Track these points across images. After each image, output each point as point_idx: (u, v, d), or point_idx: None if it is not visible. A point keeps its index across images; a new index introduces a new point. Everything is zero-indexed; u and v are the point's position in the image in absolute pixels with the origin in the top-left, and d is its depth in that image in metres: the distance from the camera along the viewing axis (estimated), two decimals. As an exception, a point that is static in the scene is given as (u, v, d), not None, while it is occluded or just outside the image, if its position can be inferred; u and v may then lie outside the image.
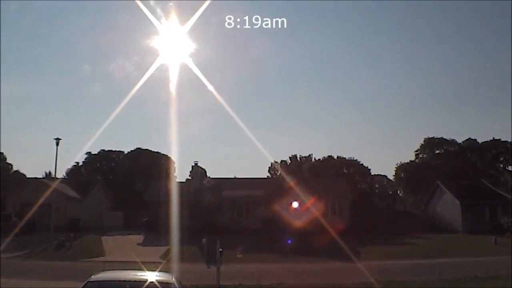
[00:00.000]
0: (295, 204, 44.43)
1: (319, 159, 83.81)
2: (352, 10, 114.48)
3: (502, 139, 77.09)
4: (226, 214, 47.36)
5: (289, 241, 32.12)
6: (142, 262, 20.43)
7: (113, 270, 10.49)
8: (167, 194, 43.64)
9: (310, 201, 44.18)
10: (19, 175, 68.84)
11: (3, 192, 49.95)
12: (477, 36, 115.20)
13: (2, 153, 73.52)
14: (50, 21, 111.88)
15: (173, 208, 38.77)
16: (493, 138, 78.09)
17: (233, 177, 59.40)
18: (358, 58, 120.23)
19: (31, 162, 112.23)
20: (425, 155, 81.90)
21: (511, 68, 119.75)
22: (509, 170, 73.64)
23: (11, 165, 74.32)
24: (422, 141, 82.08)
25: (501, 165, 77.20)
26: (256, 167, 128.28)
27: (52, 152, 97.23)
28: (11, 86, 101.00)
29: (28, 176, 65.56)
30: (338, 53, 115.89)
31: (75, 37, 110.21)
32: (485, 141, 78.19)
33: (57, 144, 40.12)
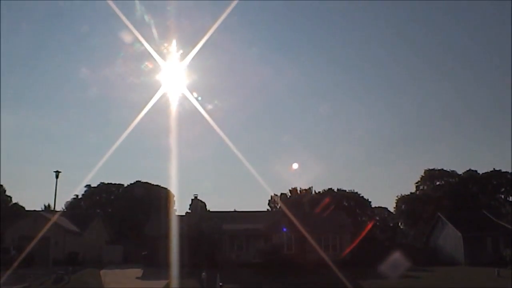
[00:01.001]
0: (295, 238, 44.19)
1: (319, 192, 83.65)
2: (349, 44, 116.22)
3: (503, 170, 77.12)
4: (226, 248, 46.99)
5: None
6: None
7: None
8: (166, 228, 43.47)
9: (310, 235, 43.91)
10: (18, 208, 68.59)
11: (2, 224, 49.70)
12: (476, 69, 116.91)
13: (2, 186, 73.41)
14: (51, 55, 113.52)
15: (172, 242, 38.58)
16: (494, 169, 78.13)
17: (233, 210, 59.22)
18: (358, 90, 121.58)
19: (30, 195, 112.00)
20: (425, 187, 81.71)
21: (511, 100, 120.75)
22: (511, 201, 73.42)
23: (10, 198, 74.14)
24: (422, 173, 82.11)
25: (502, 196, 76.92)
26: (256, 200, 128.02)
27: (51, 185, 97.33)
28: (11, 118, 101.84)
29: (27, 208, 65.37)
30: (337, 86, 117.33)
31: (75, 71, 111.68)
32: (485, 172, 78.14)
33: (57, 177, 40.28)
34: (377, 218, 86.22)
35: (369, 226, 68.66)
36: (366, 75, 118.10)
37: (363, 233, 55.27)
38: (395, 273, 34.07)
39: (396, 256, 41.26)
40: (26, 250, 38.54)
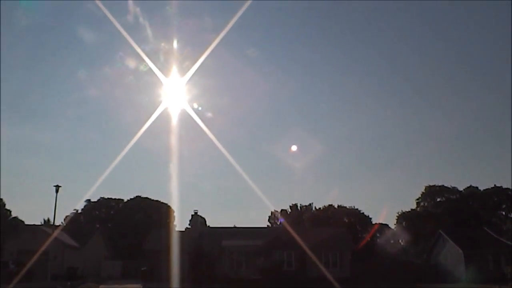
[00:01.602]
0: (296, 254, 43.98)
1: (319, 208, 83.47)
2: (350, 58, 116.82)
3: (504, 187, 76.88)
4: (225, 264, 46.69)
5: None
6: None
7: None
8: (166, 243, 43.28)
9: (310, 251, 43.69)
10: (17, 221, 68.46)
11: (1, 238, 49.55)
12: (477, 85, 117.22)
13: (2, 199, 73.32)
14: (52, 68, 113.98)
15: (172, 258, 38.39)
16: (495, 185, 77.90)
17: (233, 226, 59.10)
18: (358, 105, 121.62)
19: (30, 209, 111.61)
20: (426, 204, 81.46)
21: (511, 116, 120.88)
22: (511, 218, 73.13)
23: (10, 211, 73.99)
24: (423, 189, 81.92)
25: (503, 213, 76.64)
26: (256, 216, 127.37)
27: (51, 199, 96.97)
28: (11, 132, 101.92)
29: (26, 222, 65.23)
30: (337, 101, 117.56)
31: (76, 85, 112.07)
32: (486, 189, 77.91)
33: (57, 191, 40.13)
34: (378, 234, 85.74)
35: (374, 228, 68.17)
36: (367, 89, 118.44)
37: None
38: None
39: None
40: (26, 265, 38.34)
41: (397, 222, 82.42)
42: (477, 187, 79.23)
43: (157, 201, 79.27)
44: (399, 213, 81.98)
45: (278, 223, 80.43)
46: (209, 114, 69.60)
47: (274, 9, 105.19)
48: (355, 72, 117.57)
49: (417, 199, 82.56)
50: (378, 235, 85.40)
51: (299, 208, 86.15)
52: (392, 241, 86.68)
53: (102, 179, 55.51)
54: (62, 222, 72.53)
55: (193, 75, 39.97)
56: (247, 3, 39.92)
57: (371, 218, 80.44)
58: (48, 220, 68.81)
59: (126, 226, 71.99)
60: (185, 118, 54.18)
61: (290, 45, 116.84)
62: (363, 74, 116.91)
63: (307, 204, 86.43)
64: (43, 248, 39.93)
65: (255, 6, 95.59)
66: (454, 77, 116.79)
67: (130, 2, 68.77)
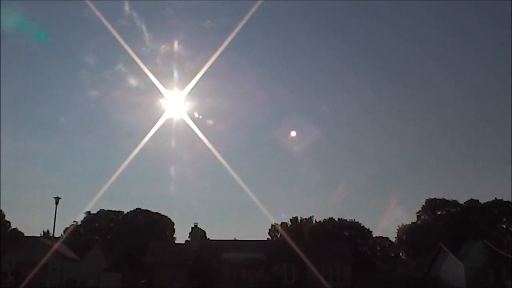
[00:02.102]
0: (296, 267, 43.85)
1: (319, 221, 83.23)
2: (351, 73, 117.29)
3: (504, 199, 76.62)
4: (225, 277, 46.54)
5: None
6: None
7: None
8: (166, 256, 43.22)
9: (311, 265, 43.58)
10: (17, 233, 68.30)
11: (0, 249, 49.40)
12: (477, 98, 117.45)
13: (1, 210, 73.24)
14: (53, 82, 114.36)
15: (172, 270, 38.28)
16: (495, 198, 77.58)
17: (233, 239, 58.89)
18: (358, 118, 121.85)
19: (29, 220, 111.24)
20: (426, 217, 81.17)
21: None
22: (512, 231, 72.90)
23: (9, 223, 73.84)
24: (423, 202, 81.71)
25: (504, 226, 76.36)
26: (256, 229, 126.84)
27: (50, 210, 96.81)
28: (11, 143, 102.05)
29: (26, 234, 65.08)
30: (337, 114, 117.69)
31: (77, 96, 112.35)
32: (487, 202, 77.65)
33: (57, 203, 40.07)
34: (378, 248, 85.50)
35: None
36: (366, 102, 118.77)
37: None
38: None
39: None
40: (25, 276, 38.25)
41: (397, 235, 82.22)
42: (477, 200, 78.96)
43: (157, 213, 79.08)
44: (400, 226, 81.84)
45: (278, 232, 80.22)
46: (210, 121, 69.74)
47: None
48: (354, 82, 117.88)
49: (418, 212, 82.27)
50: (378, 248, 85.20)
51: (299, 221, 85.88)
52: (392, 254, 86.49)
53: (102, 191, 55.65)
54: (61, 234, 72.46)
55: (194, 87, 40.23)
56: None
57: (371, 231, 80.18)
58: (48, 231, 68.68)
59: (126, 239, 71.70)
60: (186, 131, 54.47)
61: (289, 53, 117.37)
62: (361, 88, 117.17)
63: (307, 217, 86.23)
64: (40, 258, 39.85)
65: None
66: (455, 90, 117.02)
67: (134, 17, 69.47)
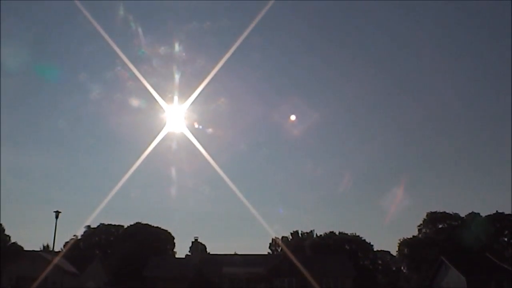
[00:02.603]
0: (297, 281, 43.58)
1: (320, 235, 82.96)
2: (348, 85, 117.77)
3: (506, 213, 76.42)
4: (226, 291, 46.34)
5: None
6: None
7: None
8: (166, 270, 43.01)
9: (312, 279, 43.33)
10: (16, 247, 68.05)
11: (0, 264, 49.17)
12: (478, 110, 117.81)
13: (1, 224, 73.06)
14: (53, 97, 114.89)
15: (172, 285, 38.05)
16: (496, 211, 77.44)
17: (233, 253, 58.65)
18: (358, 132, 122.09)
19: (29, 234, 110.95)
20: (428, 230, 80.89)
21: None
22: (514, 244, 72.53)
23: (9, 237, 73.60)
24: (425, 216, 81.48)
25: (505, 239, 76.03)
26: (257, 243, 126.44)
27: (50, 224, 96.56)
28: (11, 157, 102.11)
29: (25, 248, 64.92)
30: (337, 127, 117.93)
31: (77, 111, 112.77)
32: (488, 215, 77.47)
33: (57, 217, 39.95)
34: (380, 262, 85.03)
35: None
36: (367, 115, 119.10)
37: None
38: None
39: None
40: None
41: (399, 249, 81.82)
42: (479, 213, 78.85)
43: (157, 227, 78.81)
44: (401, 240, 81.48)
45: (279, 246, 79.89)
46: (211, 142, 69.81)
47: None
48: (355, 96, 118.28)
49: (419, 226, 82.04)
50: (379, 262, 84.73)
51: (300, 235, 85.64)
52: (394, 268, 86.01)
53: (102, 205, 55.52)
54: (61, 248, 72.17)
55: (194, 101, 40.41)
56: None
57: (372, 245, 79.84)
58: (48, 245, 68.42)
59: (126, 253, 71.36)
60: (186, 145, 54.44)
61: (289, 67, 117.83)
62: (362, 100, 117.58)
63: (308, 231, 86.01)
64: (40, 273, 39.67)
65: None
66: (455, 104, 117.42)
67: (138, 34, 70.02)
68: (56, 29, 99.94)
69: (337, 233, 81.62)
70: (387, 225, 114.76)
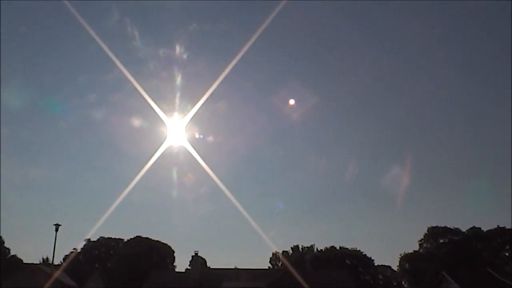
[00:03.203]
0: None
1: (321, 250, 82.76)
2: (346, 91, 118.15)
3: (507, 227, 76.20)
4: (226, 306, 46.09)
5: None
6: None
7: None
8: (166, 284, 42.84)
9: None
10: (16, 260, 67.85)
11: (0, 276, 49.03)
12: (478, 124, 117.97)
13: (0, 237, 72.91)
14: (54, 107, 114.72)
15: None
16: (498, 226, 77.25)
17: (234, 267, 58.44)
18: (359, 145, 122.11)
19: (28, 247, 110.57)
20: (429, 245, 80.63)
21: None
22: (516, 259, 72.23)
23: (9, 249, 73.41)
24: (425, 230, 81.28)
25: (507, 254, 75.71)
26: (257, 257, 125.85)
27: (50, 237, 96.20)
28: (11, 170, 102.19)
29: (25, 261, 64.72)
30: (336, 140, 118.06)
31: (77, 124, 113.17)
32: (489, 230, 77.27)
33: (57, 230, 39.97)
34: (381, 277, 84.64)
35: None
36: (368, 129, 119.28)
37: None
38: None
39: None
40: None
41: (400, 263, 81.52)
42: (480, 228, 78.63)
43: (157, 241, 78.66)
44: (402, 255, 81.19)
45: (279, 260, 79.70)
46: (211, 155, 69.89)
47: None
48: (352, 106, 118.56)
49: (420, 241, 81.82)
50: (380, 276, 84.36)
51: (300, 249, 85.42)
52: (395, 283, 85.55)
53: (102, 219, 55.42)
54: (61, 261, 71.95)
55: (194, 115, 40.62)
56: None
57: (373, 260, 79.57)
58: (47, 258, 68.21)
59: (126, 266, 71.15)
60: (186, 159, 54.55)
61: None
62: (361, 114, 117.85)
63: (309, 245, 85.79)
64: (39, 286, 39.56)
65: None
66: (455, 118, 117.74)
67: (139, 48, 70.55)
68: (56, 43, 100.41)
69: (337, 247, 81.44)
70: (388, 239, 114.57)
